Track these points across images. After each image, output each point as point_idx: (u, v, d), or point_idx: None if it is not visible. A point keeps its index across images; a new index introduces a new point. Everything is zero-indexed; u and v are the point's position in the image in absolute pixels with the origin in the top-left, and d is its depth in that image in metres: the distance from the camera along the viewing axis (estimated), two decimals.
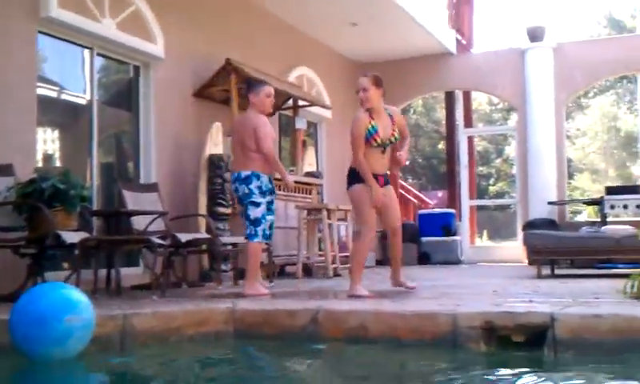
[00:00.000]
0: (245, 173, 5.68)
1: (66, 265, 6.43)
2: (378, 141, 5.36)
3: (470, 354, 3.70)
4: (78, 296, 3.60)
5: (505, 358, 3.65)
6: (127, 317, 3.96)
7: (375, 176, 5.37)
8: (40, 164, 6.48)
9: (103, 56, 7.19)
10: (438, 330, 3.81)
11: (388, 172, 5.64)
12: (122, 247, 5.92)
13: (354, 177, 5.42)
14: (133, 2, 7.25)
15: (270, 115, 6.05)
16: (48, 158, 7.02)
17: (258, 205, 5.68)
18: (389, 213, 5.57)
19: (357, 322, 3.94)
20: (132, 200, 6.70)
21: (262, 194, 5.70)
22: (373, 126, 5.37)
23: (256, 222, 5.68)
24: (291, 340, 3.99)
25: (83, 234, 5.50)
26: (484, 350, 3.73)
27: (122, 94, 7.77)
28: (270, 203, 5.79)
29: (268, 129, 5.74)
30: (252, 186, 5.67)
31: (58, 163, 7.14)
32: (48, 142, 7.16)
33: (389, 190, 5.55)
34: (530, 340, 3.72)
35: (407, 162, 5.61)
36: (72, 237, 5.30)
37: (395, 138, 5.45)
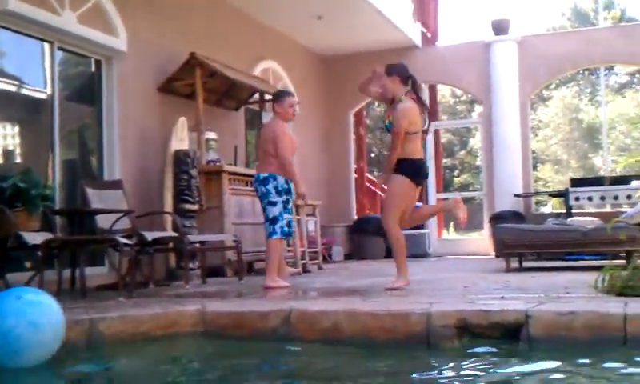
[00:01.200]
0: (263, 175, 6.18)
1: (28, 265, 6.25)
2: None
3: (443, 352, 3.67)
4: None
5: (479, 355, 3.62)
6: (94, 321, 3.84)
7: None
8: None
9: (64, 50, 6.99)
10: (411, 330, 3.77)
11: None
12: (87, 247, 5.76)
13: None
14: None
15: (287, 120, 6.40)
16: (8, 154, 6.83)
17: (274, 204, 6.13)
18: None
19: (330, 322, 3.88)
20: (96, 198, 6.54)
21: (278, 193, 6.16)
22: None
23: (274, 221, 6.12)
24: (263, 342, 3.91)
25: (46, 235, 5.35)
26: (457, 346, 3.70)
27: (84, 89, 7.59)
28: (286, 202, 6.23)
29: (287, 137, 6.19)
30: (269, 187, 6.14)
31: (18, 160, 6.95)
32: (8, 138, 6.96)
33: None
34: (504, 337, 3.70)
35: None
36: (34, 237, 5.15)
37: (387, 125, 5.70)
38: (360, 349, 3.78)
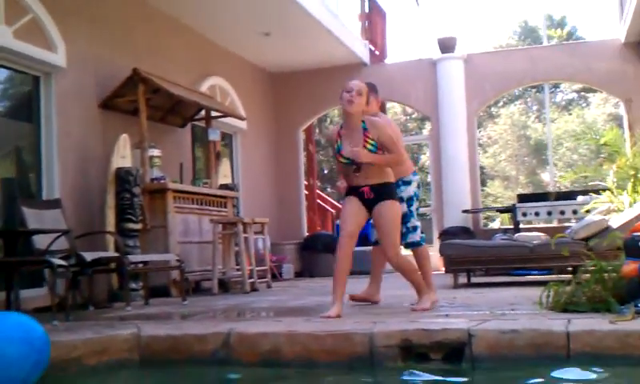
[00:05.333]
0: None
1: None
2: (342, 160, 4.99)
3: (386, 374, 3.59)
4: None
5: (421, 376, 3.55)
6: None
7: (356, 188, 4.99)
8: None
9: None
10: (354, 351, 3.68)
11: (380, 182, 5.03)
12: (19, 269, 5.52)
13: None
14: (31, 10, 6.84)
15: None
16: None
17: None
18: (379, 236, 5.12)
19: (270, 344, 3.76)
20: (33, 218, 6.29)
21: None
22: (338, 145, 4.99)
23: None
24: (202, 367, 3.77)
25: None
26: (401, 367, 3.62)
27: (22, 105, 7.34)
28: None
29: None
30: None
31: None
32: None
33: (379, 208, 4.97)
34: (447, 356, 3.63)
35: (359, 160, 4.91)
36: None
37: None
38: (301, 372, 3.67)
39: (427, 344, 3.64)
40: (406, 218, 5.47)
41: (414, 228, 5.61)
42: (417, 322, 3.96)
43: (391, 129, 5.27)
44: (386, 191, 4.99)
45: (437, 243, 11.96)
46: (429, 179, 14.36)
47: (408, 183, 5.67)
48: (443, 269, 11.12)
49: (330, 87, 12.46)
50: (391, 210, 4.96)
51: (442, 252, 8.09)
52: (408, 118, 30.18)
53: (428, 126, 25.62)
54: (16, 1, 6.68)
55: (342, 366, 3.66)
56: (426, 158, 27.64)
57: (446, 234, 10.98)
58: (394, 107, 25.61)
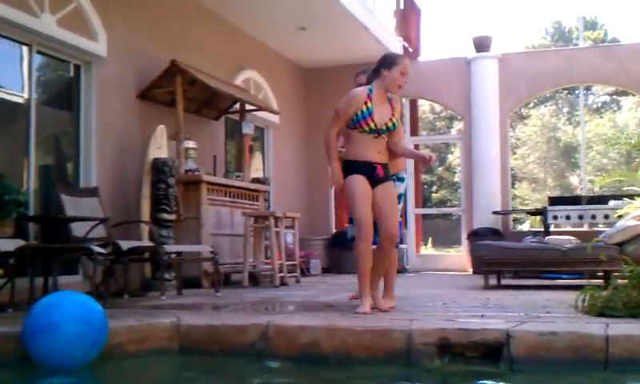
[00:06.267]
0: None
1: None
2: (370, 124, 4.75)
3: (423, 371, 3.61)
4: None
5: (459, 374, 3.58)
6: None
7: (368, 164, 4.78)
8: None
9: (42, 53, 6.87)
10: (391, 347, 3.71)
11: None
12: (60, 256, 5.63)
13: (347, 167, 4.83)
14: None
15: None
16: None
17: None
18: (381, 217, 4.81)
19: (308, 338, 3.80)
20: (71, 205, 6.40)
21: None
22: (369, 107, 4.78)
23: None
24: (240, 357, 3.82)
25: (19, 242, 5.21)
26: (438, 365, 3.65)
27: (62, 94, 7.46)
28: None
29: None
30: None
31: None
32: None
33: (386, 186, 4.84)
34: (484, 356, 3.65)
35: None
36: (7, 244, 5.01)
37: (393, 126, 4.82)
38: (339, 366, 3.71)
39: (465, 343, 3.66)
40: None
41: None
42: (455, 321, 3.98)
43: None
44: (389, 171, 4.94)
45: (465, 244, 11.96)
46: (456, 179, 14.36)
47: (401, 180, 5.50)
48: (471, 270, 11.20)
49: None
50: (393, 190, 4.91)
51: (473, 252, 8.07)
52: (437, 116, 30.09)
53: (457, 125, 25.57)
54: None
55: (379, 362, 3.69)
56: (453, 158, 27.54)
57: (475, 235, 10.94)
58: (422, 105, 25.55)
